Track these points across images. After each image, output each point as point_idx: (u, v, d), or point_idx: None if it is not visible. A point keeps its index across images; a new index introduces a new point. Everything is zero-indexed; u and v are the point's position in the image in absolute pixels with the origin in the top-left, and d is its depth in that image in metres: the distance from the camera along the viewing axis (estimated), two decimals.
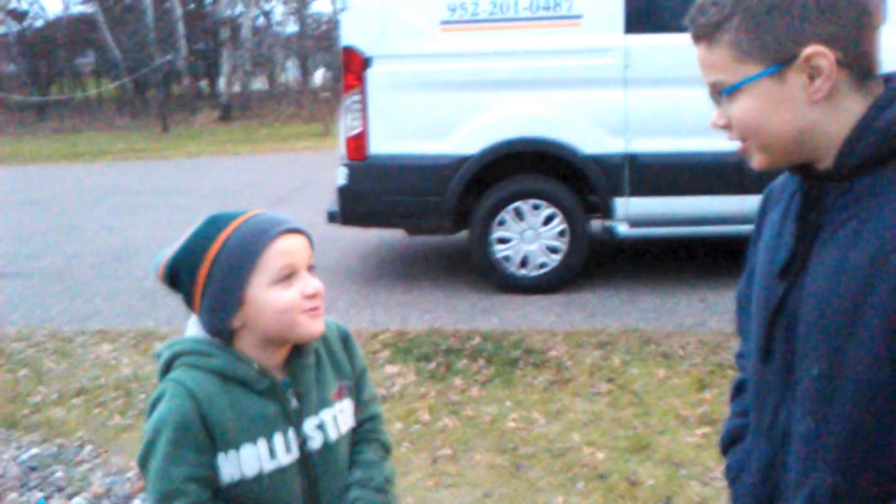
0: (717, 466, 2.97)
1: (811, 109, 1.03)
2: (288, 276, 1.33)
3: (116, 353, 4.55)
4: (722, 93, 1.07)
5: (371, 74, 5.16)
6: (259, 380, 1.35)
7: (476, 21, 5.14)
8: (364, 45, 5.15)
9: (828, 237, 1.06)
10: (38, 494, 3.09)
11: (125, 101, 25.84)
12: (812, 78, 1.02)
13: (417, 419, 3.57)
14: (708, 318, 4.72)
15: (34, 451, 3.45)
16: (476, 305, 5.15)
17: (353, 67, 5.17)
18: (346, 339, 1.52)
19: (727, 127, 1.09)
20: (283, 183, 10.76)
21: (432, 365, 4.17)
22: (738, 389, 1.35)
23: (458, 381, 3.96)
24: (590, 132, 5.16)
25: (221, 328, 1.34)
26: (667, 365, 4.05)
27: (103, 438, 3.53)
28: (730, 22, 1.04)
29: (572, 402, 3.70)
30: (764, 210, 1.23)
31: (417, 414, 3.62)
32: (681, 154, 5.03)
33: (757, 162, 1.10)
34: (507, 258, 5.33)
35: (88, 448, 3.46)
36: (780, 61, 1.02)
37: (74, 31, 27.06)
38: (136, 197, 10.06)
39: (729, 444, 1.30)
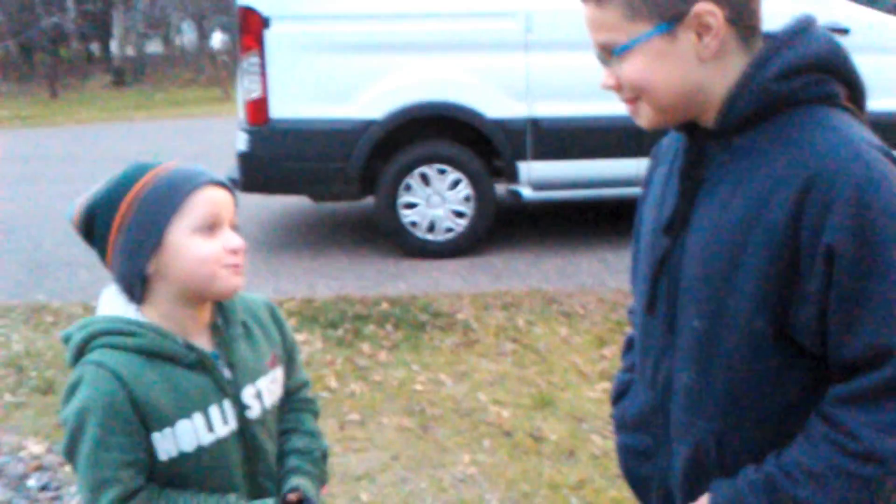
0: None
1: (700, 67, 1.05)
2: (211, 227, 1.29)
3: (6, 328, 4.33)
4: (613, 52, 1.07)
5: (270, 35, 5.02)
6: (186, 353, 1.30)
7: None
8: (262, 5, 5.00)
9: (708, 193, 1.08)
10: None
11: (10, 65, 24.34)
12: (701, 36, 1.03)
13: (325, 386, 3.56)
14: (607, 277, 4.87)
15: None
16: (383, 271, 5.15)
17: (250, 28, 5.01)
18: (271, 311, 1.51)
19: (617, 87, 1.10)
20: (180, 150, 10.40)
21: (339, 332, 4.15)
22: (629, 345, 1.38)
23: (365, 347, 3.96)
24: (493, 96, 5.18)
25: (135, 274, 1.28)
26: (568, 324, 4.16)
27: None
28: None
29: (478, 363, 3.76)
30: (651, 168, 1.26)
31: (325, 381, 3.61)
32: (581, 118, 5.12)
33: (646, 121, 1.11)
34: (413, 223, 5.33)
35: None
36: (671, 19, 1.03)
37: None
38: (24, 166, 9.54)
39: (617, 397, 1.33)
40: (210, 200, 1.28)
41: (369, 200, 5.72)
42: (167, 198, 1.26)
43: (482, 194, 5.31)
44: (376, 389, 3.53)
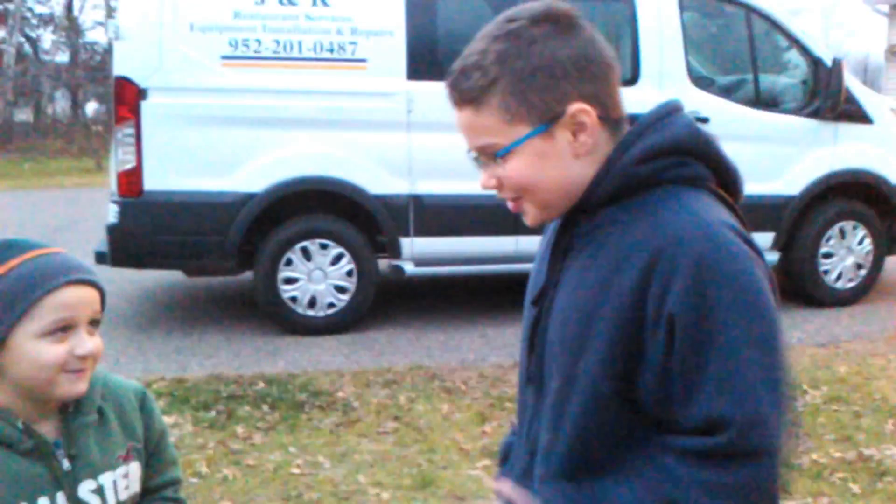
0: (497, 499, 3.04)
1: (575, 163, 1.09)
2: (62, 330, 1.22)
3: None
4: (496, 155, 1.10)
5: (146, 107, 4.90)
6: (23, 439, 1.23)
7: (259, 58, 5.05)
8: (139, 77, 4.88)
9: (572, 262, 1.13)
10: None
11: None
12: (576, 134, 1.08)
13: (195, 471, 3.36)
14: (488, 352, 4.89)
15: None
16: (261, 349, 4.98)
17: (126, 99, 4.87)
18: (143, 401, 1.41)
19: (498, 187, 1.13)
20: (47, 221, 9.89)
21: (212, 413, 3.95)
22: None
23: (239, 430, 3.78)
24: (376, 173, 5.21)
25: None
26: (450, 400, 4.13)
27: None
28: (496, 86, 1.07)
29: (359, 443, 3.65)
30: (542, 243, 1.29)
31: (195, 466, 3.40)
32: (461, 196, 5.20)
33: (532, 218, 1.15)
34: (294, 299, 5.22)
35: None
36: (548, 120, 1.07)
37: None
38: None
39: (502, 459, 1.34)
40: (63, 305, 1.22)
41: (246, 275, 5.58)
42: (16, 299, 1.20)
43: (364, 269, 5.27)
44: (250, 474, 3.35)
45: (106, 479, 1.31)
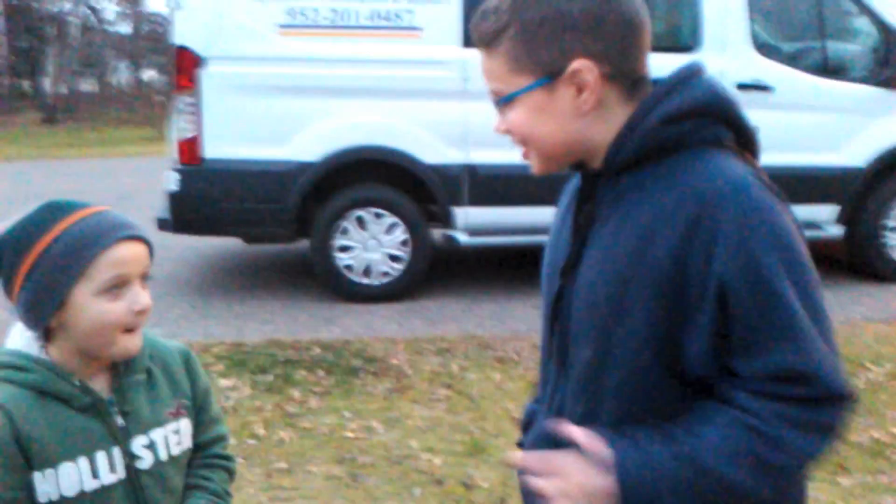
0: None
1: (579, 120, 1.08)
2: (117, 287, 1.26)
3: None
4: (500, 102, 1.11)
5: (205, 76, 4.97)
6: (79, 396, 1.28)
7: (316, 27, 5.08)
8: (198, 46, 4.95)
9: (598, 232, 1.11)
10: None
11: None
12: (580, 91, 1.06)
13: (252, 433, 3.45)
14: (539, 323, 4.87)
15: None
16: (316, 315, 5.06)
17: (185, 68, 4.95)
18: (187, 359, 1.46)
19: (508, 133, 1.13)
20: (111, 189, 10.17)
21: (269, 377, 4.04)
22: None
23: (295, 393, 3.87)
24: (430, 142, 5.21)
25: (36, 325, 1.27)
26: (502, 369, 4.15)
27: None
28: (507, 31, 1.07)
29: (411, 409, 3.70)
30: (559, 208, 1.28)
31: (252, 428, 3.49)
32: (517, 166, 5.15)
33: (535, 167, 1.15)
34: (349, 267, 5.28)
35: None
36: (550, 74, 1.06)
37: None
38: None
39: (525, 426, 1.35)
40: (118, 262, 1.25)
41: (303, 243, 5.65)
42: (73, 259, 1.23)
43: (418, 239, 5.30)
44: (305, 437, 3.43)
45: (157, 434, 1.36)
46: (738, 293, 1.00)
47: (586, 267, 1.11)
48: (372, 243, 5.28)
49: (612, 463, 1.03)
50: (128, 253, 1.27)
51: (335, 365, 4.19)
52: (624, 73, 1.07)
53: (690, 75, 1.09)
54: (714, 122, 1.08)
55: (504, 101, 1.10)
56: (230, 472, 1.51)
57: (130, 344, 1.29)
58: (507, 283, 5.76)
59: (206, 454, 1.47)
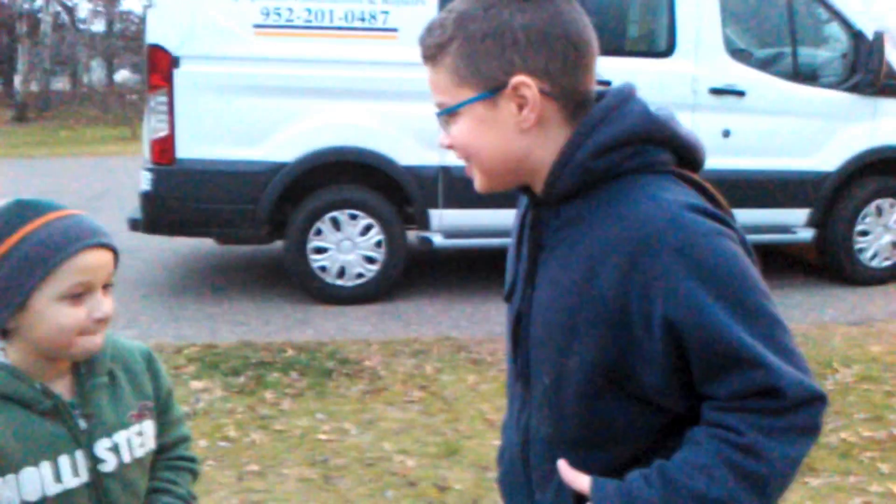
0: None
1: (521, 137, 1.08)
2: (79, 294, 1.25)
3: None
4: (441, 114, 1.12)
5: (179, 75, 4.93)
6: (41, 400, 1.26)
7: (291, 27, 5.05)
8: (171, 45, 4.91)
9: (546, 258, 1.13)
10: None
11: None
12: (521, 107, 1.07)
13: (224, 435, 3.42)
14: None
15: None
16: (290, 317, 5.04)
17: (159, 67, 4.91)
18: (149, 360, 1.44)
19: (451, 147, 1.14)
20: (83, 188, 10.04)
21: (241, 379, 4.01)
22: None
23: (268, 395, 3.84)
24: (406, 144, 5.20)
25: None
26: (477, 371, 4.15)
27: None
28: (450, 45, 1.07)
29: (385, 411, 3.69)
30: (516, 219, 1.28)
31: (224, 430, 3.46)
32: None
33: (477, 183, 1.15)
34: (323, 268, 5.26)
35: None
36: (492, 88, 1.07)
37: None
38: None
39: (500, 456, 1.35)
40: (83, 269, 1.24)
41: (276, 244, 5.62)
42: (36, 263, 1.22)
43: (393, 240, 5.29)
44: (278, 439, 3.41)
45: (120, 437, 1.34)
46: (685, 330, 1.01)
47: (539, 296, 1.13)
48: (346, 245, 5.26)
49: (590, 489, 1.07)
50: (93, 260, 1.25)
51: (309, 367, 4.16)
52: (566, 93, 1.07)
53: (623, 101, 1.09)
54: (650, 147, 1.08)
55: (446, 113, 1.11)
56: (194, 474, 1.50)
57: (90, 344, 1.28)
58: (482, 284, 5.76)
59: (169, 456, 1.46)
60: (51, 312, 1.23)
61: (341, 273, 5.28)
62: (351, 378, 4.06)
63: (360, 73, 5.14)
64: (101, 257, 1.26)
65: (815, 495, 2.98)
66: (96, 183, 10.43)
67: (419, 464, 3.20)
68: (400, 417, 3.63)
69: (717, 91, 5.43)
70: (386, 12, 5.10)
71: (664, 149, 1.09)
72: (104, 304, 1.27)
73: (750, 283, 1.02)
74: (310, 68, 5.10)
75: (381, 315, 5.09)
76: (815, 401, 1.02)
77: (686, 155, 1.12)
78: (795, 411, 1.01)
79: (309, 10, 5.04)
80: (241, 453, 3.27)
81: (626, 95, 1.10)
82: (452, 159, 5.12)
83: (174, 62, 4.91)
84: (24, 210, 1.25)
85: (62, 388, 1.30)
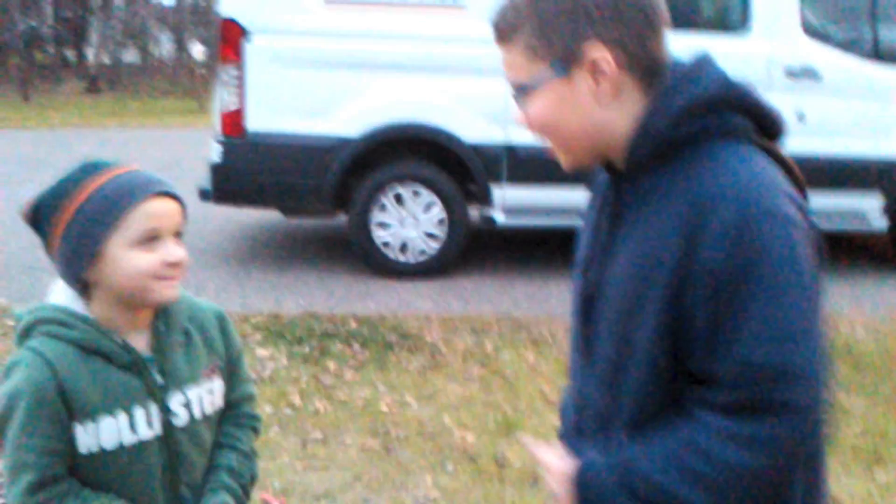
0: None
1: (599, 110, 1.09)
2: (150, 240, 1.30)
3: None
4: (518, 93, 1.12)
5: (250, 48, 5.00)
6: (121, 354, 1.33)
7: (361, 2, 5.07)
8: (244, 18, 4.98)
9: (624, 232, 1.13)
10: None
11: None
12: (597, 80, 1.07)
13: (289, 402, 3.51)
14: None
15: None
16: (353, 289, 5.11)
17: (231, 40, 4.99)
18: (222, 321, 1.51)
19: (529, 126, 1.14)
20: (153, 158, 10.29)
21: (306, 349, 4.10)
22: None
23: (331, 365, 3.91)
24: (471, 120, 5.20)
25: (73, 279, 1.32)
26: (537, 350, 4.15)
27: None
28: (524, 24, 1.09)
29: (445, 386, 3.73)
30: (590, 198, 1.29)
31: (289, 397, 3.55)
32: None
33: (563, 161, 1.16)
34: (386, 243, 5.30)
35: None
36: (567, 63, 1.07)
37: None
38: None
39: (562, 415, 1.38)
40: (150, 214, 1.30)
41: (340, 218, 5.69)
42: (107, 211, 1.28)
43: (456, 218, 5.30)
44: (341, 408, 3.48)
45: (192, 393, 1.40)
46: (722, 284, 1.00)
47: (612, 268, 1.13)
48: (409, 220, 5.29)
49: (573, 472, 1.13)
50: (160, 207, 1.31)
51: (370, 339, 4.22)
52: (641, 62, 1.08)
53: (699, 67, 1.09)
54: (729, 113, 1.08)
55: (522, 92, 1.11)
56: (256, 431, 1.56)
57: (168, 291, 1.33)
58: (544, 264, 5.74)
59: (234, 412, 1.52)
60: (125, 258, 1.29)
61: (403, 248, 5.32)
62: (411, 352, 4.11)
63: (427, 48, 5.14)
64: (167, 205, 1.32)
65: (882, 490, 2.91)
66: (165, 154, 10.68)
67: (479, 439, 3.23)
68: (460, 393, 3.66)
69: (792, 72, 5.27)
70: None
71: (744, 116, 1.08)
72: (176, 249, 1.33)
73: (801, 272, 1.01)
74: (377, 42, 5.12)
75: (441, 291, 5.13)
76: (790, 410, 1.00)
77: (766, 124, 1.11)
78: (764, 414, 1.00)
79: None
80: (305, 420, 3.35)
81: (703, 61, 1.10)
82: (517, 136, 5.11)
83: (246, 35, 4.99)
84: (89, 169, 1.33)
85: (141, 342, 1.36)
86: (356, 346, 4.14)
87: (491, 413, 3.45)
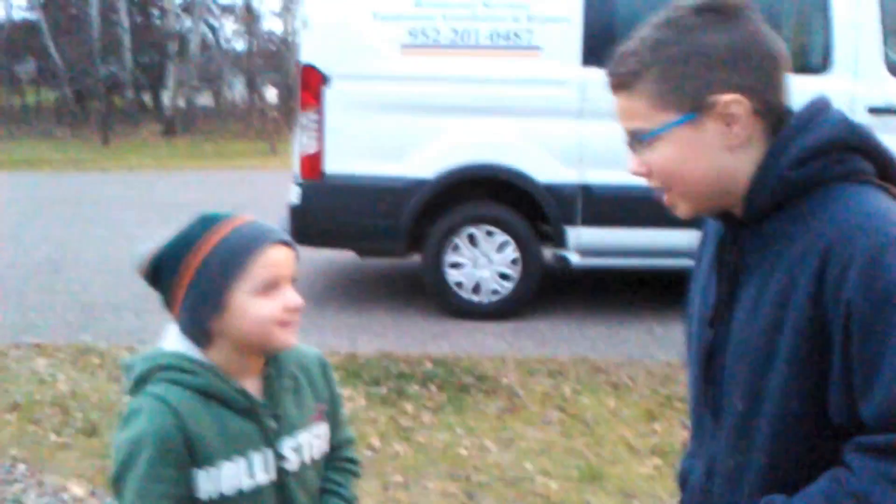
0: (669, 498, 2.97)
1: (727, 156, 1.07)
2: (271, 287, 1.32)
3: (53, 368, 4.35)
4: (641, 139, 1.10)
5: (329, 93, 5.13)
6: (239, 399, 1.34)
7: (437, 46, 5.16)
8: (323, 64, 5.12)
9: (747, 281, 1.10)
10: None
11: (65, 111, 25.17)
12: (728, 125, 1.06)
13: (368, 444, 3.50)
14: (656, 349, 4.77)
15: None
16: (427, 330, 5.11)
17: (311, 85, 5.12)
18: (323, 365, 1.52)
19: (647, 175, 1.13)
20: (227, 200, 10.57)
21: (383, 390, 4.10)
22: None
23: (409, 407, 3.91)
24: (545, 161, 5.20)
25: (200, 330, 1.33)
26: (616, 395, 4.07)
27: (38, 457, 3.36)
28: (648, 71, 1.08)
29: (524, 431, 3.68)
30: (701, 246, 1.27)
31: (368, 439, 3.55)
32: (633, 186, 5.08)
33: (681, 210, 1.14)
34: (459, 284, 5.31)
35: (22, 467, 3.28)
36: (697, 109, 1.06)
37: (16, 38, 26.28)
38: (76, 208, 9.76)
39: (681, 484, 1.33)
40: (271, 263, 1.32)
41: (415, 258, 5.73)
42: (232, 262, 1.30)
43: (529, 258, 5.29)
44: (420, 451, 3.46)
45: (303, 437, 1.41)
46: (857, 322, 0.98)
47: (736, 318, 1.11)
48: (482, 261, 5.30)
49: None
50: (279, 255, 1.34)
51: (447, 381, 4.21)
52: (770, 107, 1.07)
53: (819, 109, 1.08)
54: (850, 155, 1.06)
55: (646, 139, 1.09)
56: (356, 476, 1.57)
57: (289, 337, 1.35)
58: (619, 305, 5.66)
59: (336, 457, 1.52)
60: (249, 307, 1.30)
61: (476, 289, 5.32)
62: (488, 395, 4.07)
63: (502, 90, 5.19)
64: (284, 252, 1.35)
65: None
66: (241, 195, 10.96)
67: (562, 486, 3.17)
68: (539, 438, 3.60)
69: (876, 110, 5.13)
70: (530, 31, 5.13)
71: (864, 158, 1.06)
72: (295, 295, 1.35)
73: None
74: (453, 86, 5.19)
75: (515, 332, 5.09)
76: None
77: (886, 167, 1.08)
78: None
79: (455, 31, 5.14)
80: (386, 463, 3.34)
81: (823, 105, 1.09)
82: (592, 176, 5.06)
83: (325, 81, 5.11)
84: (209, 220, 1.35)
85: (253, 388, 1.38)
86: (433, 388, 4.13)
87: (573, 460, 3.38)
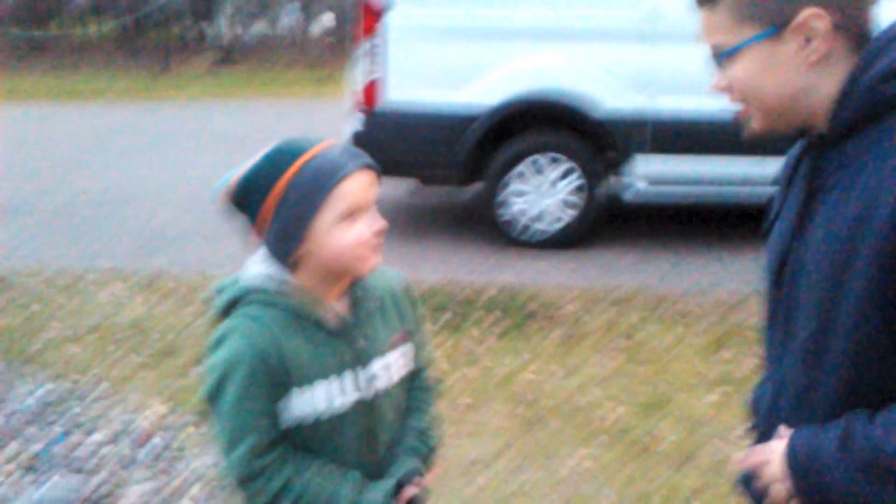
0: (738, 425, 2.97)
1: (807, 72, 1.06)
2: (356, 212, 1.33)
3: (129, 291, 4.51)
4: (721, 55, 1.09)
5: (390, 20, 5.04)
6: (331, 320, 1.37)
7: None
8: None
9: (824, 199, 1.09)
10: (58, 429, 3.08)
11: (125, 40, 25.39)
12: (808, 40, 1.04)
13: (436, 367, 3.56)
14: (724, 278, 4.70)
15: (49, 386, 3.43)
16: (490, 259, 5.12)
17: (371, 12, 5.04)
18: (407, 287, 1.55)
19: (728, 90, 1.12)
20: (286, 128, 10.62)
21: (448, 315, 4.15)
22: None
23: (474, 332, 3.95)
24: (613, 87, 5.07)
25: (286, 255, 1.34)
26: (683, 323, 4.04)
27: (119, 376, 3.51)
28: None
29: (589, 357, 3.69)
30: (783, 170, 1.25)
31: (436, 363, 3.61)
32: (703, 113, 4.95)
33: (756, 124, 1.13)
34: (522, 211, 5.28)
35: (104, 385, 3.44)
36: (778, 24, 1.04)
37: None
38: (140, 137, 9.93)
39: (754, 409, 1.32)
40: (355, 190, 1.31)
41: (477, 186, 5.70)
42: (316, 190, 1.29)
43: (594, 186, 5.21)
44: (487, 375, 3.51)
45: (390, 357, 1.44)
46: None
47: (811, 236, 1.09)
48: (546, 189, 5.24)
49: (785, 451, 1.09)
50: (362, 181, 1.33)
51: (510, 308, 4.23)
52: (854, 23, 1.04)
53: None
54: None
55: (726, 55, 1.08)
56: (436, 395, 1.59)
57: (373, 261, 1.37)
58: (686, 235, 5.57)
59: (420, 376, 1.55)
60: (334, 233, 1.31)
61: (540, 217, 5.28)
62: (552, 322, 4.08)
63: (568, 13, 5.03)
64: (367, 178, 1.34)
65: None
66: (298, 123, 10.99)
67: (628, 412, 3.19)
68: (604, 365, 3.62)
69: None
70: None
71: None
72: (378, 218, 1.36)
73: None
74: (516, 10, 5.05)
75: (579, 261, 5.07)
76: None
77: None
78: None
79: None
80: (454, 386, 3.40)
81: None
82: (662, 103, 4.93)
83: (385, 7, 5.03)
84: (291, 148, 1.33)
85: (341, 310, 1.40)
86: (496, 315, 4.15)
87: (639, 387, 3.39)
